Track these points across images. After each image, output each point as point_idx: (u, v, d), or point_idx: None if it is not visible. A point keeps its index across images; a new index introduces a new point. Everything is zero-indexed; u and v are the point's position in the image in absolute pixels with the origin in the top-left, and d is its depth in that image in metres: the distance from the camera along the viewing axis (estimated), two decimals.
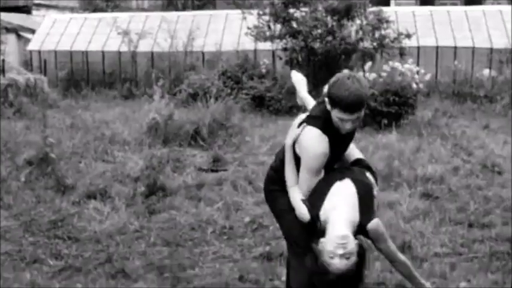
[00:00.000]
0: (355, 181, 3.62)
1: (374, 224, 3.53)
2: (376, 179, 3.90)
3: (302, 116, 3.74)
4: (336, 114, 3.52)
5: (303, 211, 3.57)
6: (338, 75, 3.57)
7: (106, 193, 6.79)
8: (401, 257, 3.74)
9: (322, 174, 3.66)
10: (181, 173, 7.46)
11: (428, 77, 11.03)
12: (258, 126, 10.08)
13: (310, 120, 3.65)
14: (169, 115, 8.93)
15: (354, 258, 3.37)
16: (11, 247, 5.61)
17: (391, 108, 10.18)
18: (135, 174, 7.25)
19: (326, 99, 3.56)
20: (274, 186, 3.88)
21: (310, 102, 4.18)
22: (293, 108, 10.87)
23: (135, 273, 5.07)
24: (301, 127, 3.66)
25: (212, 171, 7.58)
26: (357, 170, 3.77)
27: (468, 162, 8.19)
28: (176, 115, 9.08)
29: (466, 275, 5.05)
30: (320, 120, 3.61)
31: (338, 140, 3.65)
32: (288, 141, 3.70)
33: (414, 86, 10.45)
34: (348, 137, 3.75)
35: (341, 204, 3.52)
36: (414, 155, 8.39)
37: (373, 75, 10.57)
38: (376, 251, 3.81)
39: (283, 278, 4.98)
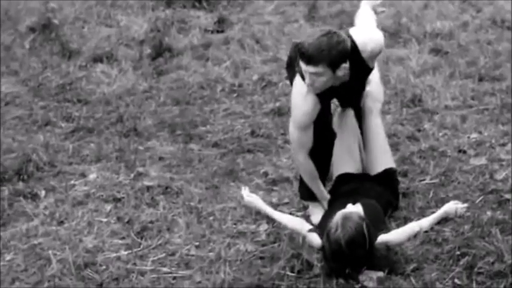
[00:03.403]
0: (365, 206, 3.57)
1: (380, 242, 3.46)
2: (397, 197, 3.93)
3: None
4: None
5: (314, 240, 3.53)
6: (326, 28, 3.50)
7: (112, 56, 6.72)
8: (409, 231, 3.68)
9: (311, 129, 3.64)
10: (187, 34, 7.34)
11: None
12: None
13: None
14: None
15: None
16: (22, 111, 5.63)
17: None
18: (140, 37, 7.15)
19: None
20: None
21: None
22: None
23: (147, 132, 5.12)
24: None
25: (218, 32, 7.47)
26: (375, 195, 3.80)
27: (477, 18, 8.03)
28: None
29: (477, 127, 5.07)
30: None
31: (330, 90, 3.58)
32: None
33: None
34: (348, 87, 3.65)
35: None
36: (422, 11, 8.22)
37: None
38: None
39: None
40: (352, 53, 3.54)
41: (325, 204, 3.91)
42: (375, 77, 4.08)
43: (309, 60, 3.38)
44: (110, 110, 5.54)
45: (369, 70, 3.75)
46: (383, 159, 4.00)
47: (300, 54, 3.39)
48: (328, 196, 3.92)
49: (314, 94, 3.56)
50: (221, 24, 7.67)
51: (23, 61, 6.73)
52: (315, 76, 3.43)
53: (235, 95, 5.80)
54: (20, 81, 6.27)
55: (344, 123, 4.04)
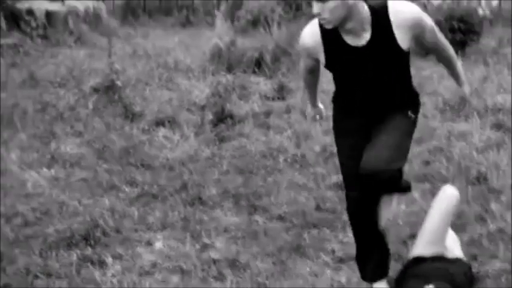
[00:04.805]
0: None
1: None
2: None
3: None
4: None
5: None
6: None
7: (174, 120, 6.83)
8: None
9: (310, 62, 3.84)
10: (247, 100, 7.44)
11: (495, 3, 10.71)
12: None
13: None
14: (232, 41, 8.85)
15: None
16: (87, 173, 5.70)
17: (456, 35, 9.91)
18: (202, 101, 7.27)
19: None
20: None
21: None
22: None
23: (212, 201, 5.14)
24: None
25: (278, 99, 7.54)
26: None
27: None
28: (238, 42, 9.00)
29: None
30: None
31: (338, 46, 3.57)
32: None
33: (480, 12, 10.16)
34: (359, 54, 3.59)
35: None
36: (482, 84, 8.22)
37: (437, 2, 10.28)
38: None
39: None
40: (379, 16, 3.46)
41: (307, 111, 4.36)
42: None
43: None
44: (173, 176, 5.59)
45: (396, 47, 3.54)
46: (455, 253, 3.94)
47: None
48: (318, 106, 4.48)
49: (319, 33, 3.55)
50: (281, 91, 7.75)
51: (87, 122, 6.87)
52: (323, 14, 3.40)
53: (298, 165, 5.81)
54: (85, 143, 6.39)
55: (440, 200, 3.96)
